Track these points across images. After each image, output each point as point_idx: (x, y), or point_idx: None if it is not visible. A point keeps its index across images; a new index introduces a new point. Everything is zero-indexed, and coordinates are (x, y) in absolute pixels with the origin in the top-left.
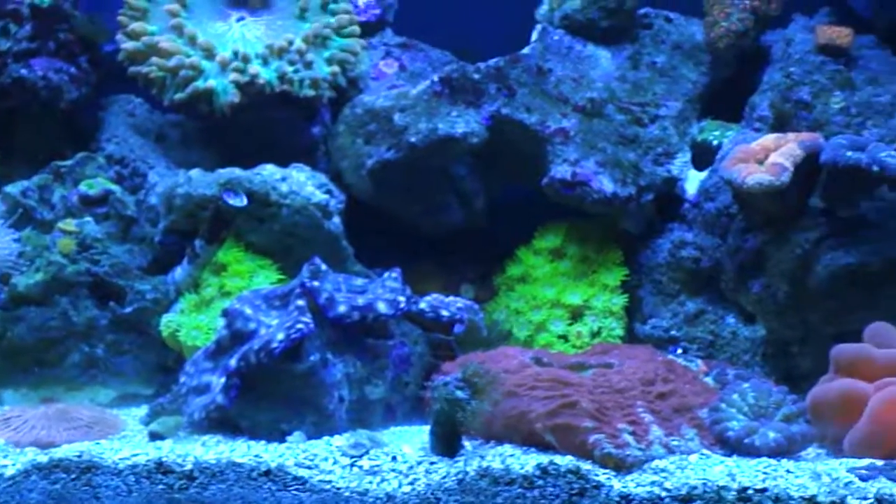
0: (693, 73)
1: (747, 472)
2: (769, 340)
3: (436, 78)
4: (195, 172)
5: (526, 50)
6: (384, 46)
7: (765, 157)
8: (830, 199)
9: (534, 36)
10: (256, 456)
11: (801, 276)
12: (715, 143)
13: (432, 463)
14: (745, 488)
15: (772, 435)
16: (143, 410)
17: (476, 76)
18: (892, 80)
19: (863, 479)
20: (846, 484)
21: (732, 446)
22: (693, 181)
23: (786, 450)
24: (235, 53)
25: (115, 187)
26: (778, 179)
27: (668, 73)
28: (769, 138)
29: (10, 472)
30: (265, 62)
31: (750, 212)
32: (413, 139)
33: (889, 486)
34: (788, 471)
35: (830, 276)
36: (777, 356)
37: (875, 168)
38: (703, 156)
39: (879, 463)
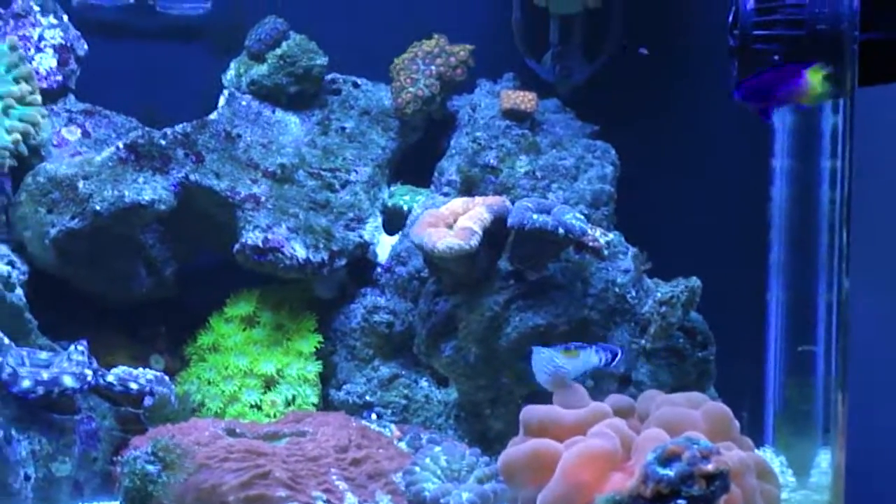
0: (382, 138)
1: None
2: (461, 403)
3: (121, 144)
4: None
5: (214, 115)
6: (67, 113)
7: (454, 221)
8: (518, 262)
9: (221, 101)
10: None
11: (491, 338)
12: (405, 207)
13: None
14: None
15: (465, 496)
16: None
17: (163, 142)
18: (575, 143)
19: None
20: None
21: None
22: (385, 246)
23: None
24: None
25: None
26: (467, 244)
27: (357, 138)
28: (458, 202)
29: None
30: None
31: (441, 275)
32: (98, 207)
33: None
34: None
35: (520, 338)
36: (469, 418)
37: (561, 231)
38: (394, 220)
39: None
